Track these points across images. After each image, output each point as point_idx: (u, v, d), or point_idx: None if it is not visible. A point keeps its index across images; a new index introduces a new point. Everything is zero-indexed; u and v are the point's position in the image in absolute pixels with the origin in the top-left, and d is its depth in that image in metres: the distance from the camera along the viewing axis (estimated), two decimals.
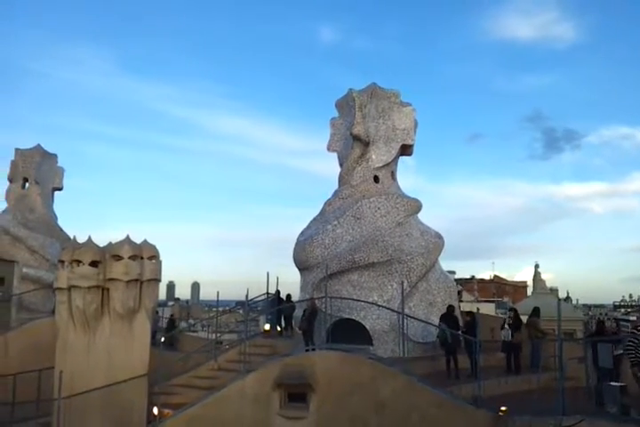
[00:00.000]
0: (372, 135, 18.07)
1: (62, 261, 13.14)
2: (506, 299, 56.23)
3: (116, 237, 13.46)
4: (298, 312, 17.47)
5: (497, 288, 66.54)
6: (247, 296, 15.98)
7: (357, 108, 17.93)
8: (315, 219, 18.71)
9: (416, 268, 16.94)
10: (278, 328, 18.79)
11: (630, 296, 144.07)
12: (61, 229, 23.19)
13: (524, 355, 15.39)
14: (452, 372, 14.36)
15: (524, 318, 16.47)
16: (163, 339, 17.88)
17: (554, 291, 39.08)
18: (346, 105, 18.99)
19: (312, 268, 17.29)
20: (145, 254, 13.25)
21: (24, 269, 21.22)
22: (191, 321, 31.49)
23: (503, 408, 10.84)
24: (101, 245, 13.27)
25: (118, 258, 12.88)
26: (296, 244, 18.04)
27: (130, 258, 12.94)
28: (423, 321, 15.57)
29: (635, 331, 11.34)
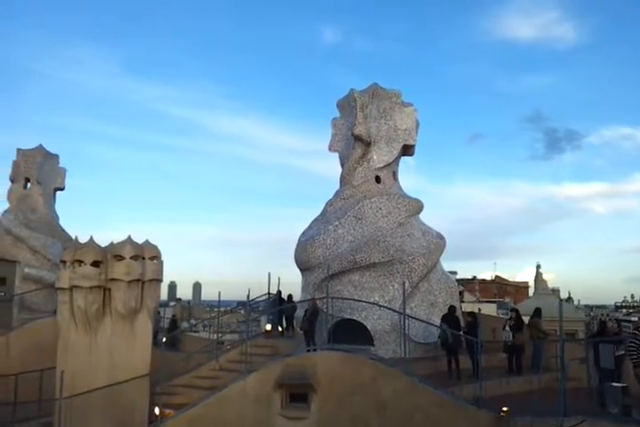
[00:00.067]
0: (374, 135, 18.07)
1: (64, 262, 13.17)
2: (507, 299, 56.20)
3: (118, 237, 13.50)
4: (299, 312, 17.47)
5: (498, 289, 66.50)
6: (248, 296, 16.03)
7: (359, 109, 17.93)
8: (316, 219, 18.70)
9: (417, 268, 16.93)
10: (279, 329, 18.80)
11: (632, 297, 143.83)
12: (63, 230, 23.21)
13: (525, 356, 15.38)
14: (453, 372, 14.36)
15: (526, 319, 16.46)
16: (164, 339, 17.88)
17: (555, 291, 38.96)
18: (347, 105, 18.99)
19: (313, 268, 17.29)
20: (146, 255, 13.27)
21: (26, 270, 21.23)
22: (192, 321, 31.48)
23: (505, 409, 10.84)
24: (103, 246, 13.29)
25: (120, 258, 12.90)
26: (297, 244, 18.04)
27: (131, 258, 12.96)
28: (424, 322, 15.56)
29: (636, 332, 11.33)
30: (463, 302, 23.44)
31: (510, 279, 75.70)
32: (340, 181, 18.82)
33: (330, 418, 11.68)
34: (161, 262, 13.66)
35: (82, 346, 12.87)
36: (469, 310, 18.80)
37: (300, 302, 17.54)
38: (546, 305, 19.55)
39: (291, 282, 20.55)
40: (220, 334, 19.30)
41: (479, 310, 14.63)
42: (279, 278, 20.34)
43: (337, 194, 18.62)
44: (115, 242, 13.30)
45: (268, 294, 20.17)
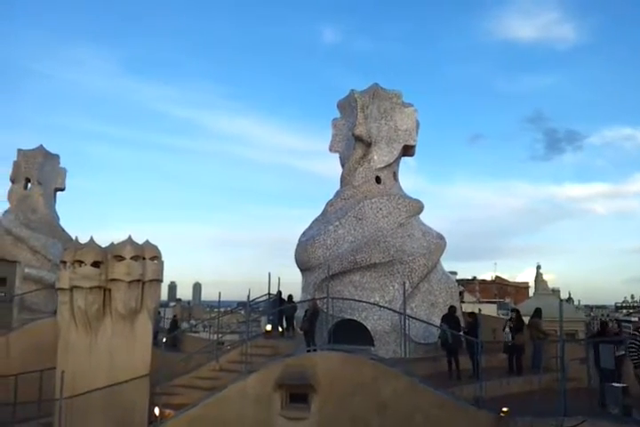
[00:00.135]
0: (374, 136, 18.07)
1: (64, 262, 13.17)
2: (507, 300, 56.16)
3: (118, 237, 13.51)
4: (299, 313, 17.47)
5: (499, 289, 66.48)
6: (249, 297, 16.02)
7: (359, 109, 17.93)
8: (316, 219, 18.70)
9: (418, 268, 16.93)
10: (280, 329, 18.80)
11: (632, 297, 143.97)
12: (63, 230, 23.21)
13: (525, 356, 15.38)
14: (453, 373, 14.36)
15: (526, 319, 16.46)
16: (165, 339, 17.88)
17: (556, 292, 38.93)
18: (348, 106, 18.99)
19: (314, 268, 17.29)
20: (147, 255, 13.27)
21: (26, 270, 21.24)
22: (193, 322, 31.49)
23: (505, 409, 10.84)
24: (103, 246, 13.30)
25: (120, 258, 12.91)
26: (298, 244, 18.04)
27: (132, 258, 12.97)
28: (425, 322, 15.56)
29: (636, 333, 11.32)
30: (463, 302, 23.43)
31: (510, 280, 75.70)
32: (341, 182, 18.82)
33: (330, 418, 11.68)
34: (161, 263, 13.67)
35: (82, 346, 12.87)
36: (470, 310, 18.76)
37: (301, 302, 17.54)
38: (546, 305, 19.53)
39: (291, 282, 20.56)
40: (220, 335, 19.30)
41: (479, 310, 14.63)
42: (279, 279, 20.36)
43: (337, 194, 18.62)
44: (115, 242, 13.31)
45: (269, 294, 20.17)
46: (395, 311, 15.01)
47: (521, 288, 69.92)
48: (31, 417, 14.20)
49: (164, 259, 13.75)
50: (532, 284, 43.44)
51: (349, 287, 16.73)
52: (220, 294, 20.99)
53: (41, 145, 23.50)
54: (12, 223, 21.55)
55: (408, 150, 19.07)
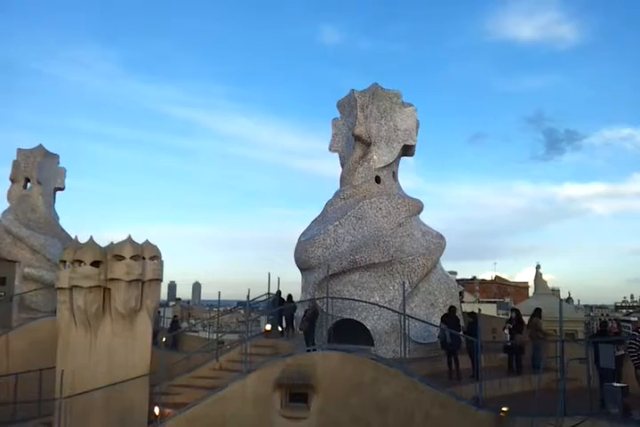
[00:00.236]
0: (374, 136, 18.07)
1: (64, 261, 13.18)
2: (507, 299, 56.16)
3: (118, 237, 13.51)
4: (299, 312, 17.48)
5: (498, 289, 66.53)
6: (248, 296, 16.00)
7: (359, 109, 17.93)
8: (316, 219, 18.70)
9: (417, 268, 16.93)
10: (279, 328, 18.81)
11: (632, 297, 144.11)
12: (63, 229, 23.20)
13: (525, 356, 15.39)
14: (453, 372, 14.36)
15: (526, 319, 16.47)
16: (164, 339, 17.88)
17: (555, 292, 38.99)
18: (347, 105, 18.98)
19: (313, 268, 17.29)
20: (146, 254, 13.27)
21: (26, 269, 21.23)
22: (192, 321, 31.50)
23: (505, 409, 10.85)
24: (103, 245, 13.29)
25: (120, 258, 12.91)
26: (297, 244, 18.04)
27: (131, 258, 12.97)
28: (424, 322, 15.56)
29: (635, 333, 11.33)
30: (463, 302, 23.39)
31: (510, 279, 75.82)
32: (340, 181, 18.82)
33: (330, 418, 11.69)
34: (161, 262, 13.67)
35: (82, 346, 12.87)
36: (469, 310, 18.77)
37: (300, 301, 17.55)
38: (546, 305, 19.54)
39: (291, 282, 20.59)
40: (219, 334, 19.31)
41: (479, 310, 14.61)
42: (279, 278, 20.38)
43: (337, 194, 18.61)
44: (114, 242, 13.31)
45: (268, 294, 20.18)
46: (394, 311, 15.01)
47: (520, 288, 69.99)
48: (31, 416, 14.21)
49: (163, 258, 13.77)
50: (531, 283, 43.53)
51: (349, 287, 16.73)
52: (219, 293, 20.99)
53: (40, 144, 23.48)
54: (12, 223, 21.54)
55: (408, 150, 19.06)
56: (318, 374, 11.90)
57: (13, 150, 22.99)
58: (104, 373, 12.64)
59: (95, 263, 12.82)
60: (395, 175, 19.03)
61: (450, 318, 15.19)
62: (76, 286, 12.76)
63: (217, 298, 21.50)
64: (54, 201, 23.94)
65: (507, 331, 15.67)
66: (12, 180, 22.69)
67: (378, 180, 18.33)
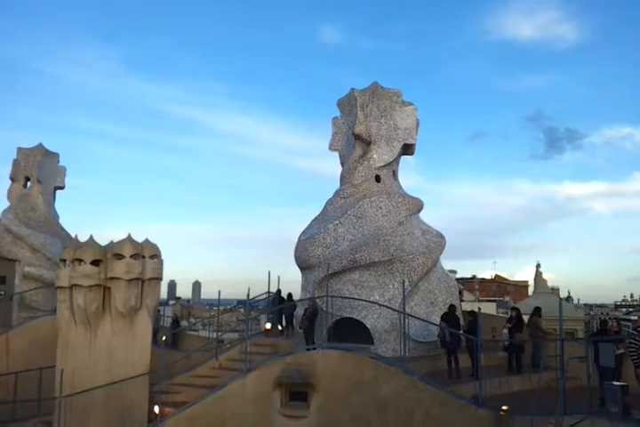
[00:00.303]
0: (374, 134, 18.06)
1: (64, 260, 13.17)
2: (507, 298, 56.18)
3: (118, 235, 13.50)
4: (299, 311, 17.48)
5: (498, 288, 66.53)
6: (248, 295, 16.03)
7: (359, 108, 17.91)
8: (316, 218, 18.70)
9: (417, 267, 16.93)
10: (279, 327, 18.82)
11: (632, 296, 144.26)
12: (63, 228, 23.19)
13: (525, 354, 15.40)
14: (453, 371, 14.36)
15: (525, 318, 16.47)
16: (164, 338, 17.90)
17: (555, 290, 39.04)
18: (347, 104, 18.97)
19: (313, 267, 17.29)
20: (146, 253, 13.26)
21: (26, 268, 21.23)
22: (192, 320, 31.52)
23: (504, 407, 10.86)
24: (103, 244, 13.28)
25: (120, 257, 12.90)
26: (297, 243, 18.04)
27: (131, 257, 12.95)
28: (424, 320, 15.56)
29: (635, 332, 11.32)
30: (463, 300, 23.40)
31: (510, 278, 75.83)
32: (340, 180, 18.81)
33: (330, 417, 11.69)
34: (161, 261, 13.66)
35: (82, 345, 12.87)
36: (469, 309, 18.78)
37: (300, 300, 17.55)
38: (545, 304, 19.54)
39: (291, 281, 20.60)
40: (219, 333, 19.31)
41: (479, 309, 14.62)
42: (279, 277, 20.39)
43: (337, 193, 18.61)
44: (114, 241, 13.30)
45: (268, 292, 20.19)
46: (394, 310, 15.01)
47: (520, 287, 70.02)
48: (31, 415, 14.21)
49: (163, 257, 13.76)
50: (531, 282, 43.51)
51: (349, 286, 16.73)
52: (219, 292, 20.98)
53: (40, 143, 23.47)
54: (12, 222, 21.53)
55: (408, 149, 19.06)
56: (318, 372, 11.90)
57: (13, 149, 23.00)
58: (104, 371, 12.63)
59: (95, 262, 12.81)
60: (395, 174, 19.03)
61: (450, 316, 15.19)
62: (75, 285, 12.75)
63: (217, 297, 21.49)
64: (54, 200, 23.94)
65: (506, 330, 15.68)
66: (12, 178, 22.68)
67: (378, 179, 18.32)
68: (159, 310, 20.34)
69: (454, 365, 14.42)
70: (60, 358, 12.88)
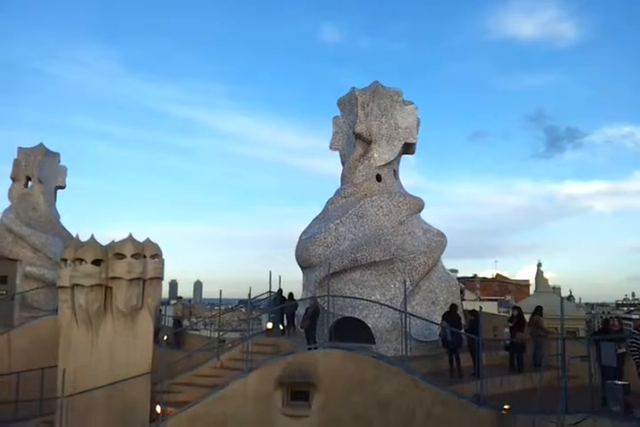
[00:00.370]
0: (375, 134, 18.05)
1: (65, 260, 13.17)
2: (508, 297, 56.16)
3: (119, 235, 13.49)
4: (300, 311, 17.48)
5: (499, 287, 66.48)
6: (249, 295, 16.01)
7: (360, 107, 17.90)
8: (317, 217, 18.69)
9: (418, 266, 16.93)
10: (281, 327, 18.82)
11: (633, 295, 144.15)
12: (64, 228, 23.20)
13: (527, 354, 15.39)
14: (454, 370, 14.36)
15: (527, 317, 16.46)
16: (165, 337, 17.89)
17: (556, 289, 39.06)
18: (348, 103, 18.96)
19: (314, 266, 17.29)
20: (148, 253, 13.26)
21: (27, 268, 21.23)
22: (193, 320, 31.50)
23: (506, 406, 10.85)
24: (104, 244, 13.28)
25: (121, 256, 12.89)
26: (298, 242, 18.03)
27: (132, 256, 12.95)
28: (426, 320, 15.56)
29: (636, 331, 11.30)
30: (464, 300, 23.40)
31: (511, 277, 75.75)
32: (341, 180, 18.80)
33: (331, 416, 11.69)
34: (162, 261, 13.66)
35: (83, 344, 12.87)
36: (470, 308, 18.76)
37: (301, 300, 17.55)
38: (547, 303, 19.55)
39: (292, 280, 20.58)
40: (221, 333, 19.31)
41: (480, 308, 14.59)
42: (280, 277, 20.38)
43: (338, 192, 18.60)
44: (115, 240, 13.30)
45: (270, 292, 20.18)
46: (395, 309, 15.01)
47: (522, 286, 69.96)
48: (33, 415, 14.22)
49: (164, 257, 13.76)
50: (532, 281, 43.52)
51: (350, 285, 16.73)
52: (220, 292, 21.00)
53: (41, 143, 23.47)
54: (13, 222, 21.53)
55: (409, 148, 19.05)
56: (320, 372, 11.90)
57: (14, 149, 23.01)
58: (105, 371, 12.64)
59: (96, 262, 12.81)
60: (395, 173, 19.02)
61: (451, 315, 15.19)
62: (77, 285, 12.75)
63: (218, 296, 21.50)
64: (55, 200, 23.95)
65: (507, 329, 15.67)
66: (13, 178, 22.69)
67: (379, 178, 18.31)
68: (160, 310, 20.34)
69: (456, 364, 14.42)
70: (62, 358, 12.89)
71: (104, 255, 12.91)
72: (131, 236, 13.34)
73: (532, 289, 46.59)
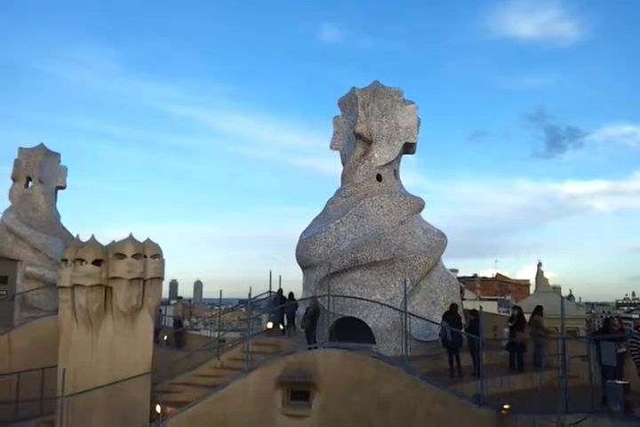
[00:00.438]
0: (375, 133, 18.05)
1: (65, 260, 13.18)
2: (508, 297, 56.15)
3: (119, 235, 13.50)
4: (300, 310, 17.48)
5: (499, 286, 66.48)
6: (250, 295, 16.02)
7: (360, 107, 17.90)
8: (317, 217, 18.70)
9: (419, 266, 16.93)
10: (281, 327, 18.83)
11: (633, 294, 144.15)
12: (64, 228, 23.21)
13: (527, 353, 15.39)
14: (454, 370, 14.36)
15: (527, 317, 16.46)
16: (166, 337, 17.90)
17: (556, 289, 39.03)
18: (348, 103, 18.96)
19: (315, 266, 17.29)
20: (148, 253, 13.27)
21: (27, 268, 21.24)
22: (194, 320, 31.51)
23: (506, 406, 10.85)
24: (104, 244, 13.29)
25: (121, 256, 12.90)
26: (299, 242, 18.04)
27: (133, 256, 12.96)
28: (426, 319, 15.56)
29: (636, 331, 11.31)
30: (464, 299, 23.40)
31: (511, 277, 75.73)
32: (342, 180, 18.80)
33: (331, 416, 11.70)
34: (162, 261, 13.67)
35: (83, 344, 12.88)
36: (471, 307, 18.76)
37: (302, 299, 17.56)
38: (547, 303, 19.54)
39: (292, 280, 20.59)
40: (221, 333, 19.32)
41: (480, 307, 14.61)
42: (280, 276, 20.39)
43: (338, 192, 18.61)
44: (116, 240, 13.31)
45: (270, 292, 20.18)
46: (396, 309, 15.01)
47: (522, 286, 69.95)
48: (33, 415, 14.22)
49: (164, 257, 13.76)
50: (532, 281, 43.49)
51: (350, 285, 16.73)
52: (220, 291, 21.00)
53: (42, 143, 23.47)
54: (14, 222, 21.54)
55: (409, 148, 19.05)
56: (320, 372, 11.90)
57: (15, 149, 23.01)
58: (106, 371, 12.65)
59: (97, 262, 12.81)
60: (396, 173, 19.02)
61: (451, 315, 15.19)
62: (77, 285, 12.76)
63: (218, 296, 21.51)
64: (56, 200, 23.95)
65: (507, 329, 15.67)
66: (14, 178, 22.69)
67: (379, 178, 18.31)
68: (161, 310, 20.35)
69: (456, 364, 14.42)
70: (62, 358, 12.90)
71: (104, 255, 12.92)
72: (131, 236, 13.34)
73: (532, 289, 46.57)
